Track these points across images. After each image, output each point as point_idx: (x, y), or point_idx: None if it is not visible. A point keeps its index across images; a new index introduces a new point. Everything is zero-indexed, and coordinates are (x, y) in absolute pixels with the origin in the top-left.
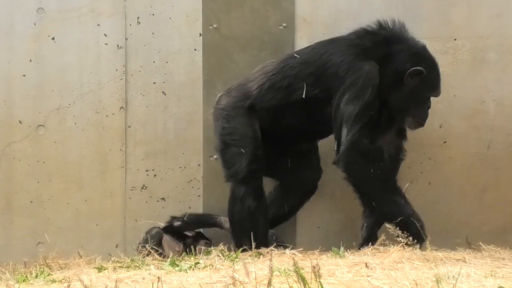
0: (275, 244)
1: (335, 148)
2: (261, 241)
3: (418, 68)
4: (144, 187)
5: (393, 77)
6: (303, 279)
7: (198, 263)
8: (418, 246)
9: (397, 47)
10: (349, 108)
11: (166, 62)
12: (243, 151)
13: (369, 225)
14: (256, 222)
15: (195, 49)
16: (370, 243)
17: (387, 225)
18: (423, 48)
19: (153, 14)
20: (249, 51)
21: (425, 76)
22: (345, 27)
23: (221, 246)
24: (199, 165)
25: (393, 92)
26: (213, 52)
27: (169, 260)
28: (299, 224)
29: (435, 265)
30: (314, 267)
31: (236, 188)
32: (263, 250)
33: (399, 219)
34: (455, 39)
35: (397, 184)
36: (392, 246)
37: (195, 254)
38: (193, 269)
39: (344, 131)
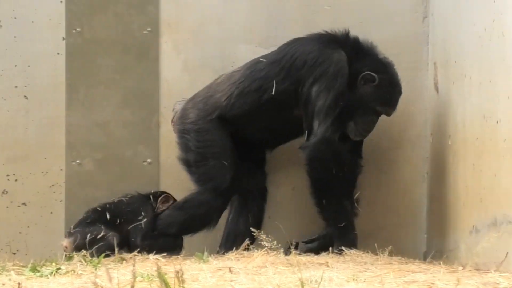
0: None
1: (305, 137)
2: None
3: (372, 74)
4: (5, 192)
5: (351, 76)
6: (166, 284)
7: (59, 268)
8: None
9: (366, 51)
10: (320, 99)
11: (28, 66)
12: (226, 163)
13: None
14: (197, 231)
15: (58, 53)
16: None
17: (252, 229)
18: (390, 64)
19: (15, 18)
20: (113, 55)
21: (378, 86)
22: (210, 32)
23: (83, 252)
24: (61, 170)
25: (347, 92)
26: (76, 56)
27: (29, 265)
28: None
29: (298, 270)
30: (177, 272)
31: (210, 198)
32: (125, 255)
33: (342, 224)
34: None
35: (353, 189)
36: (256, 250)
37: None
38: (54, 274)
39: (316, 123)
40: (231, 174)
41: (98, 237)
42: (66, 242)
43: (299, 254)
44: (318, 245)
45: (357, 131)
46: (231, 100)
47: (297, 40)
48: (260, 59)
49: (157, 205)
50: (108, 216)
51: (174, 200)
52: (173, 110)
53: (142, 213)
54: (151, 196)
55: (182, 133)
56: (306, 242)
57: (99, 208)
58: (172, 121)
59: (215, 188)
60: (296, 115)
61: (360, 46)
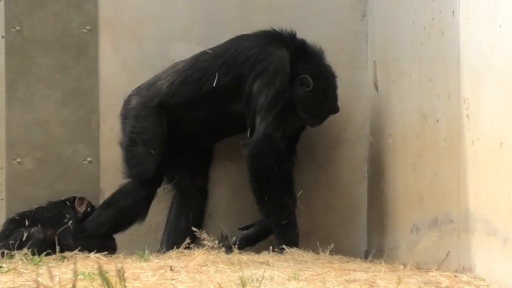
0: None
1: (248, 135)
2: None
3: (309, 79)
4: None
5: (291, 76)
6: (107, 283)
7: (1, 267)
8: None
9: (311, 56)
10: (261, 96)
11: None
12: (153, 152)
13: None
14: (128, 226)
15: None
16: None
17: (193, 228)
18: (332, 75)
19: None
20: (52, 54)
21: (310, 93)
22: (148, 31)
23: (24, 250)
24: (1, 168)
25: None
26: (15, 54)
27: None
28: None
29: (239, 268)
30: (119, 271)
31: (135, 188)
32: (67, 253)
33: (284, 222)
34: None
35: (294, 187)
36: (198, 249)
37: None
38: None
39: (258, 120)
40: (156, 163)
41: (24, 239)
42: None
43: (231, 245)
44: (255, 231)
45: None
46: (172, 88)
47: (242, 36)
48: (207, 50)
49: (75, 210)
50: (27, 223)
51: (88, 201)
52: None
53: (67, 215)
54: (67, 202)
55: (123, 117)
56: (242, 229)
57: (17, 217)
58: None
59: (139, 174)
60: (235, 109)
61: (306, 49)
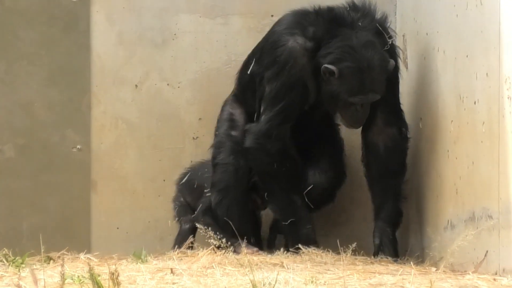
0: None
1: (255, 118)
2: None
3: (329, 67)
4: None
5: (317, 65)
6: (99, 287)
7: None
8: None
9: (339, 27)
10: (268, 86)
11: None
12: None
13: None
14: None
15: None
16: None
17: (198, 225)
18: (365, 44)
19: None
20: (37, 27)
21: (341, 78)
22: (148, 0)
23: (4, 250)
24: None
25: (322, 82)
26: None
27: None
28: (95, 225)
29: (249, 271)
30: (112, 274)
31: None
32: (53, 254)
33: (289, 220)
34: (272, 16)
35: (301, 183)
36: (202, 249)
37: None
38: None
39: (262, 107)
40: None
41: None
42: None
43: None
44: None
45: (347, 123)
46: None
47: (273, 25)
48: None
49: None
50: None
51: None
52: None
53: (205, 184)
54: None
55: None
56: None
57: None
58: None
59: None
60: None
61: (337, 20)
